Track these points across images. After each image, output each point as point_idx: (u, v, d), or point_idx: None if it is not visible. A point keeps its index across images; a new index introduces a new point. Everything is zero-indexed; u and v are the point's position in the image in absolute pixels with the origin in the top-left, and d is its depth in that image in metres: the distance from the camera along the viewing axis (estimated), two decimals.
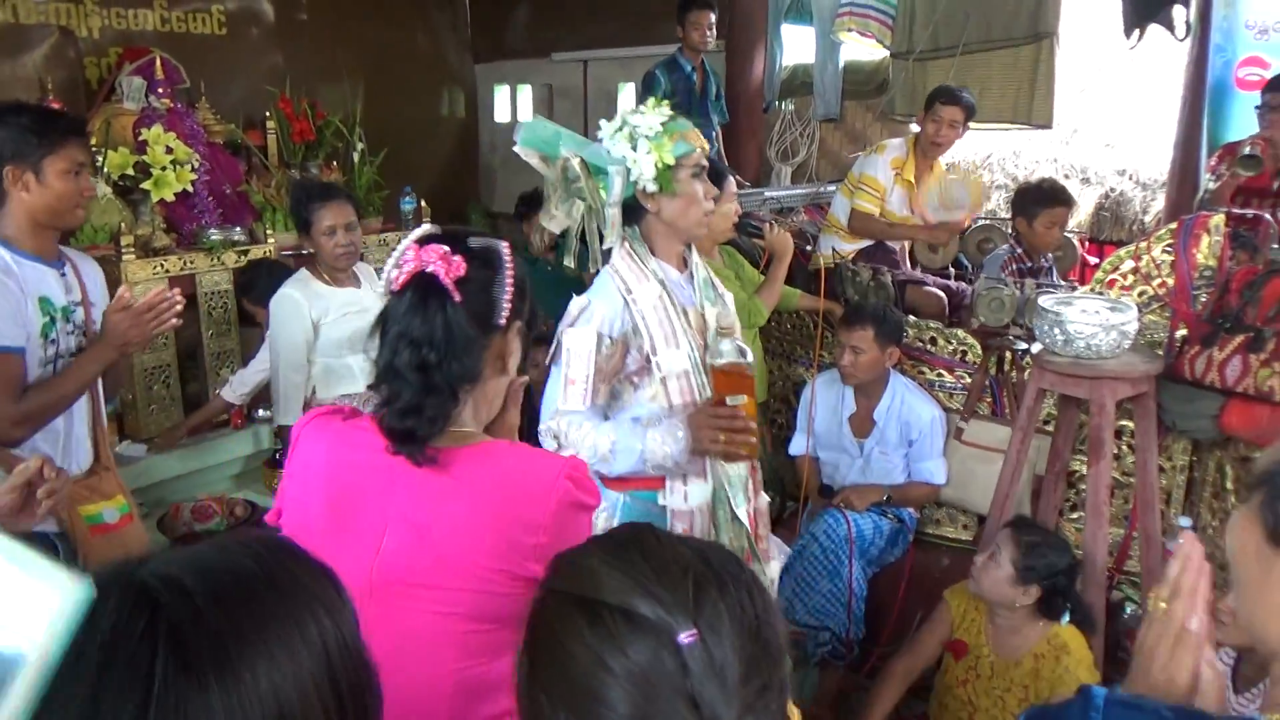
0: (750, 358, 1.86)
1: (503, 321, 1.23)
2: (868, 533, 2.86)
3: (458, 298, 1.18)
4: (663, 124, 1.89)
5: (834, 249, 3.91)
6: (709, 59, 5.09)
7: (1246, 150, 3.57)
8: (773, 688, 0.72)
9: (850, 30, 5.58)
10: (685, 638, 0.68)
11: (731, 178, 3.16)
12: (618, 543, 0.77)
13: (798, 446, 3.20)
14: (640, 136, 1.87)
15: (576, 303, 1.92)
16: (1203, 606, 0.90)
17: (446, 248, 1.19)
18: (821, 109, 5.61)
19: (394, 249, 1.23)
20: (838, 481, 3.07)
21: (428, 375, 1.18)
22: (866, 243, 3.97)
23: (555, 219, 1.97)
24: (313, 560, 0.75)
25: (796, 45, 6.13)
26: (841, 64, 5.66)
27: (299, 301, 2.85)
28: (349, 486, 1.21)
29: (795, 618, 2.81)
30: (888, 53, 5.52)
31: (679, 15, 4.71)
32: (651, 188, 1.88)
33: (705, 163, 1.96)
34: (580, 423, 1.87)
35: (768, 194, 4.44)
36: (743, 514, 1.98)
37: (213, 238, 3.58)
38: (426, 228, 1.26)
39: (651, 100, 1.95)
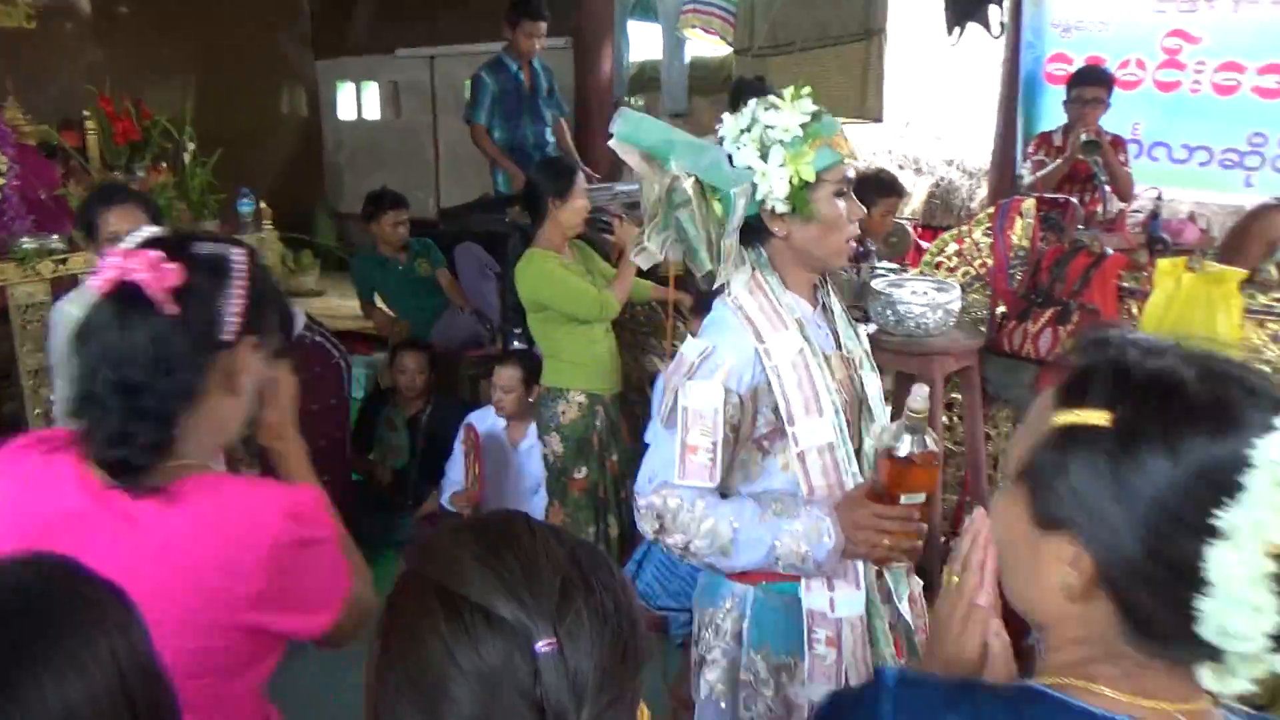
0: (934, 445, 1.40)
1: (229, 337, 1.10)
2: None
3: (171, 310, 1.04)
4: (803, 126, 1.50)
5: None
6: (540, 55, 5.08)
7: (1084, 136, 3.85)
8: (624, 699, 0.72)
9: (694, 27, 5.71)
10: (542, 646, 0.68)
11: (580, 173, 3.19)
12: (491, 536, 0.75)
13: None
14: (774, 143, 1.50)
15: (694, 347, 1.55)
16: (991, 581, 0.93)
17: (161, 254, 1.06)
18: (670, 104, 5.72)
19: None
20: None
21: (133, 398, 1.04)
22: None
23: (646, 252, 1.63)
24: (99, 579, 0.74)
25: (644, 42, 6.23)
26: (687, 60, 5.78)
27: (76, 319, 2.63)
28: (40, 530, 1.04)
29: (658, 602, 2.86)
30: (731, 49, 5.69)
31: (510, 19, 4.67)
32: (782, 208, 1.51)
33: (852, 174, 1.58)
34: (694, 501, 1.51)
35: (618, 188, 4.48)
36: (904, 608, 1.64)
37: (25, 246, 3.33)
38: (147, 231, 1.12)
39: (790, 91, 1.54)
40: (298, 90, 7.43)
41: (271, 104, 7.21)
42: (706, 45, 5.89)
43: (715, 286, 1.60)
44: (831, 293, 1.66)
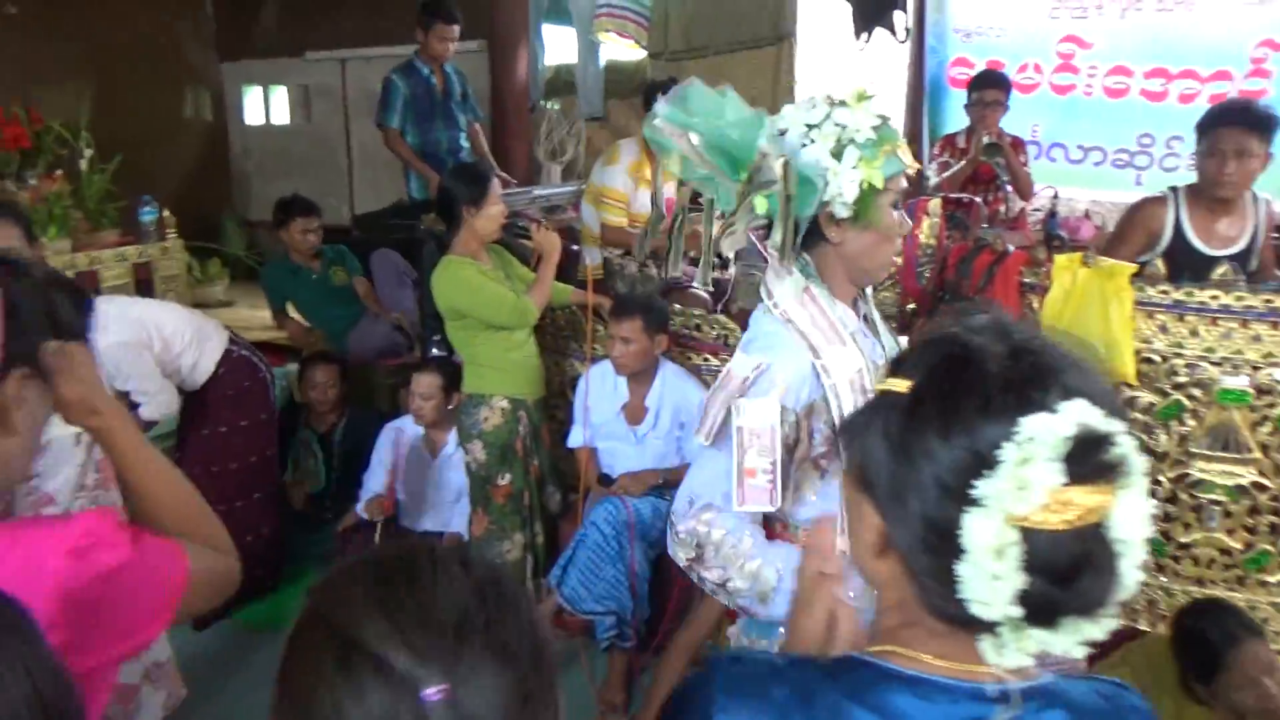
0: None
1: None
2: (647, 516, 2.96)
3: None
4: (875, 129, 1.44)
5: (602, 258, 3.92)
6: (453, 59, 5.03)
7: (986, 139, 3.99)
8: None
9: (608, 31, 5.72)
10: (431, 694, 0.65)
11: (495, 178, 3.16)
12: (388, 572, 0.72)
13: (576, 439, 3.26)
14: (848, 142, 1.42)
15: (746, 364, 1.47)
16: (834, 554, 0.97)
17: None
18: (586, 108, 5.73)
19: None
20: (616, 469, 3.16)
21: None
22: None
23: (735, 236, 1.52)
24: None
25: (558, 45, 6.22)
26: (602, 64, 5.80)
27: None
28: None
29: (582, 606, 2.86)
30: (646, 53, 5.72)
31: (424, 22, 4.61)
32: (844, 214, 1.43)
33: (906, 185, 1.54)
34: (741, 536, 1.43)
35: (536, 192, 4.48)
36: None
37: None
38: None
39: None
40: (202, 94, 7.20)
41: (174, 108, 6.97)
42: (621, 49, 5.92)
43: (717, 294, 1.62)
44: (870, 303, 1.61)
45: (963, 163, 4.10)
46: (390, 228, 4.56)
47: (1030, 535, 0.69)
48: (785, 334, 1.48)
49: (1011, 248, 2.90)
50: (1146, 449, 2.62)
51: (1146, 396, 2.61)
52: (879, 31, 5.26)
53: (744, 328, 3.29)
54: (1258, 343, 2.46)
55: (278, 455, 3.63)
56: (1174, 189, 2.98)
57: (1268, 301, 2.43)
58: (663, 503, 3.04)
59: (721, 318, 3.42)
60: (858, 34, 5.24)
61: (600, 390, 3.17)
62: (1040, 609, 0.70)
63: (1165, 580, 2.69)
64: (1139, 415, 2.63)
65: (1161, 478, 2.64)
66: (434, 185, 4.31)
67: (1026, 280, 2.82)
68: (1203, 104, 4.60)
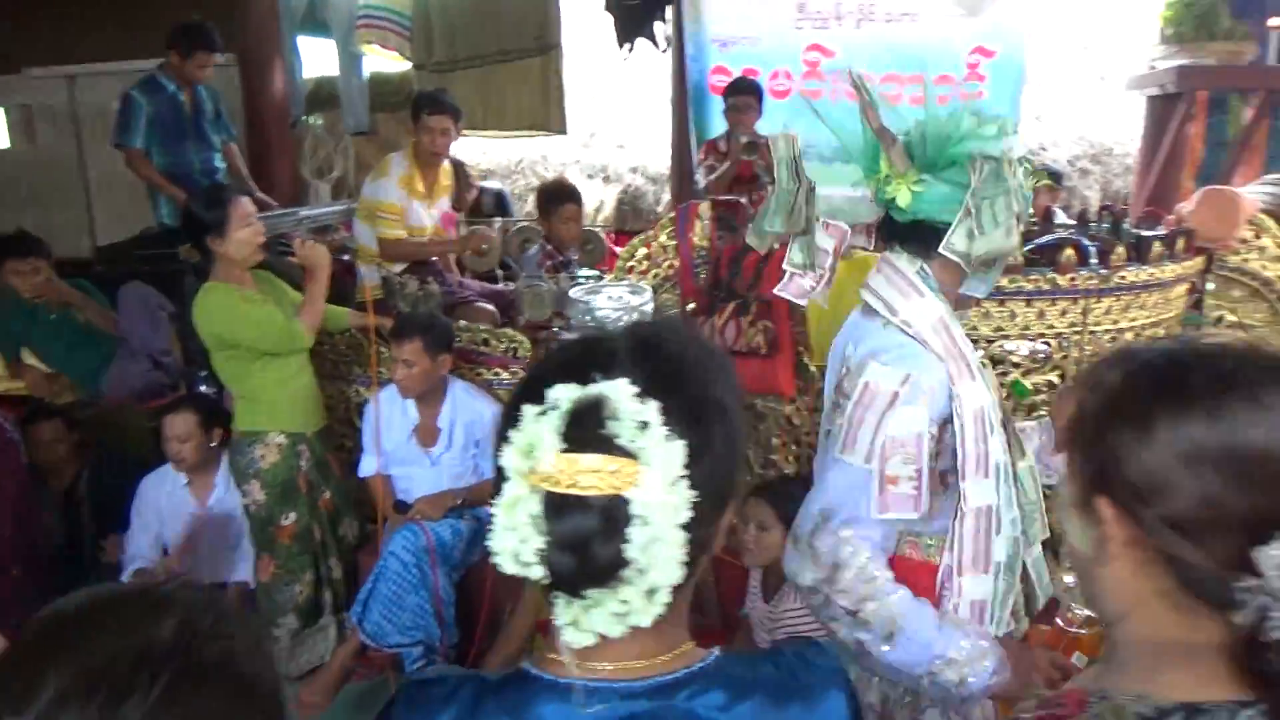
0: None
1: None
2: (447, 539, 2.90)
3: None
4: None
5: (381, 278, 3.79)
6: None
7: (744, 139, 4.18)
8: None
9: (370, 42, 5.57)
10: None
11: (239, 200, 2.91)
12: (47, 640, 0.68)
13: (368, 467, 3.14)
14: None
15: (891, 376, 1.44)
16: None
17: None
18: (352, 122, 5.53)
19: None
20: (413, 494, 3.07)
21: None
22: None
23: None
24: None
25: (318, 57, 5.96)
26: (366, 76, 5.61)
27: None
28: None
29: (388, 640, 2.76)
30: (410, 64, 5.60)
31: (182, 48, 4.27)
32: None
33: None
34: (880, 561, 1.43)
35: (303, 213, 4.26)
36: None
37: None
38: None
39: (992, 125, 1.47)
40: None
41: None
42: (385, 60, 5.76)
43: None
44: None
45: (727, 164, 4.31)
46: (140, 258, 4.18)
47: (547, 497, 0.72)
48: (918, 347, 1.47)
49: (776, 245, 3.07)
50: None
51: None
52: (641, 41, 5.44)
53: (534, 341, 3.31)
54: (988, 319, 2.74)
55: (35, 519, 3.24)
56: None
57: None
58: (462, 524, 2.99)
59: (510, 331, 3.40)
60: (621, 44, 5.39)
61: (390, 415, 3.07)
62: (560, 575, 0.73)
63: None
64: None
65: None
66: None
67: None
68: (932, 106, 5.09)
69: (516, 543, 0.73)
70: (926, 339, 1.46)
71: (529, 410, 0.74)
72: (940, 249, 1.46)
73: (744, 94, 4.36)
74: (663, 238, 3.29)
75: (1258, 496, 0.74)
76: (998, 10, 4.96)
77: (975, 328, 2.76)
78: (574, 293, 2.94)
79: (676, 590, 0.76)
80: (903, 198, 1.49)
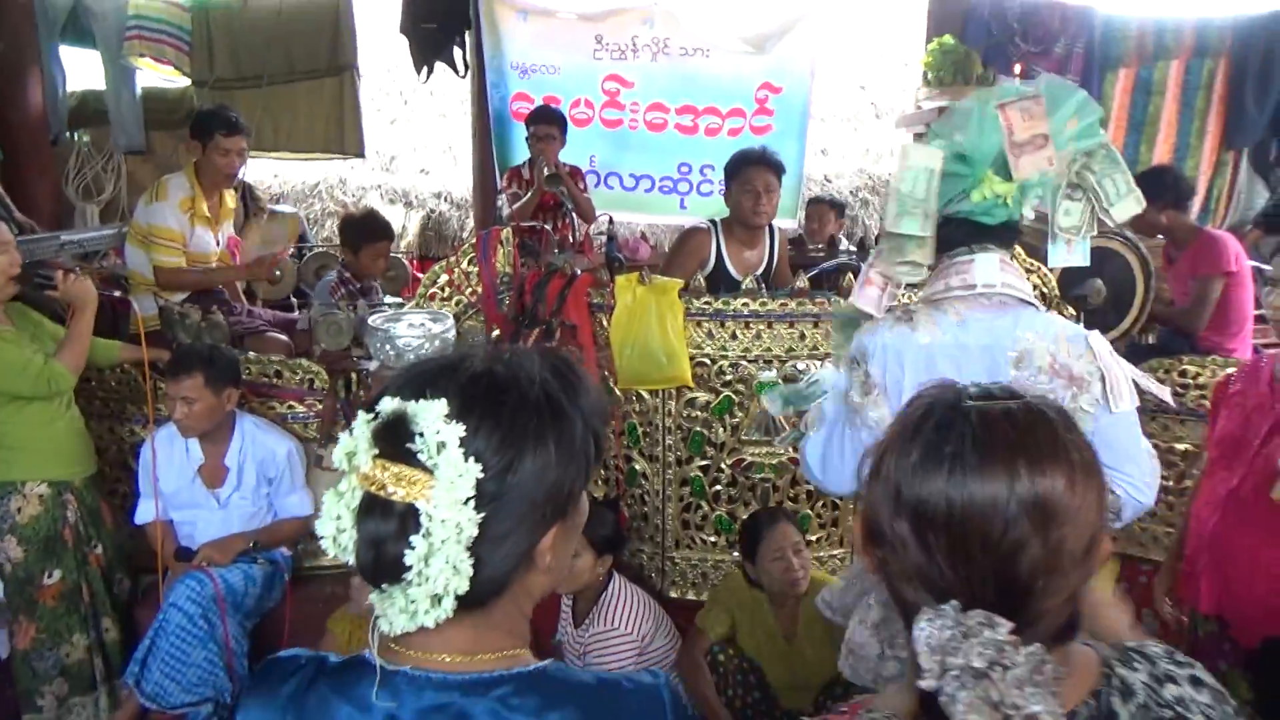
0: None
1: None
2: (238, 585, 2.70)
3: None
4: None
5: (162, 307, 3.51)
6: None
7: (547, 171, 4.19)
8: None
9: (143, 55, 5.18)
10: None
11: (3, 224, 2.69)
12: None
13: (145, 513, 2.88)
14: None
15: (1096, 340, 1.61)
16: None
17: None
18: (124, 140, 5.11)
19: None
20: (197, 540, 2.84)
21: None
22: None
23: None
24: None
25: (81, 70, 5.48)
26: (139, 91, 5.22)
27: None
28: None
29: (170, 700, 2.54)
30: (189, 80, 5.26)
31: None
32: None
33: None
34: None
35: (65, 237, 3.87)
36: None
37: None
38: None
39: (1091, 117, 1.64)
40: None
41: None
42: (159, 75, 5.39)
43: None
44: None
45: (529, 193, 4.32)
46: None
47: (365, 495, 0.81)
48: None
49: (579, 271, 3.11)
50: (708, 441, 2.98)
51: (703, 396, 2.96)
52: (440, 66, 5.38)
53: (331, 372, 3.17)
54: (780, 340, 2.89)
55: None
56: (713, 221, 3.40)
57: (783, 305, 2.88)
58: (255, 568, 2.81)
59: (305, 362, 3.25)
60: (418, 69, 5.31)
61: (169, 455, 2.84)
62: (361, 567, 0.81)
63: (737, 555, 3.05)
64: (699, 413, 2.97)
65: (723, 465, 3.00)
66: None
67: (595, 300, 3.05)
68: (725, 137, 5.35)
69: (336, 529, 0.82)
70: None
71: (363, 415, 0.82)
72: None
73: (545, 123, 4.39)
74: (465, 263, 3.25)
75: (932, 561, 0.78)
76: (783, 49, 5.28)
77: (769, 349, 2.90)
78: (373, 320, 2.84)
79: (498, 598, 0.85)
80: (1020, 208, 1.67)
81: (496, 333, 3.20)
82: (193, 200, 3.55)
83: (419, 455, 0.79)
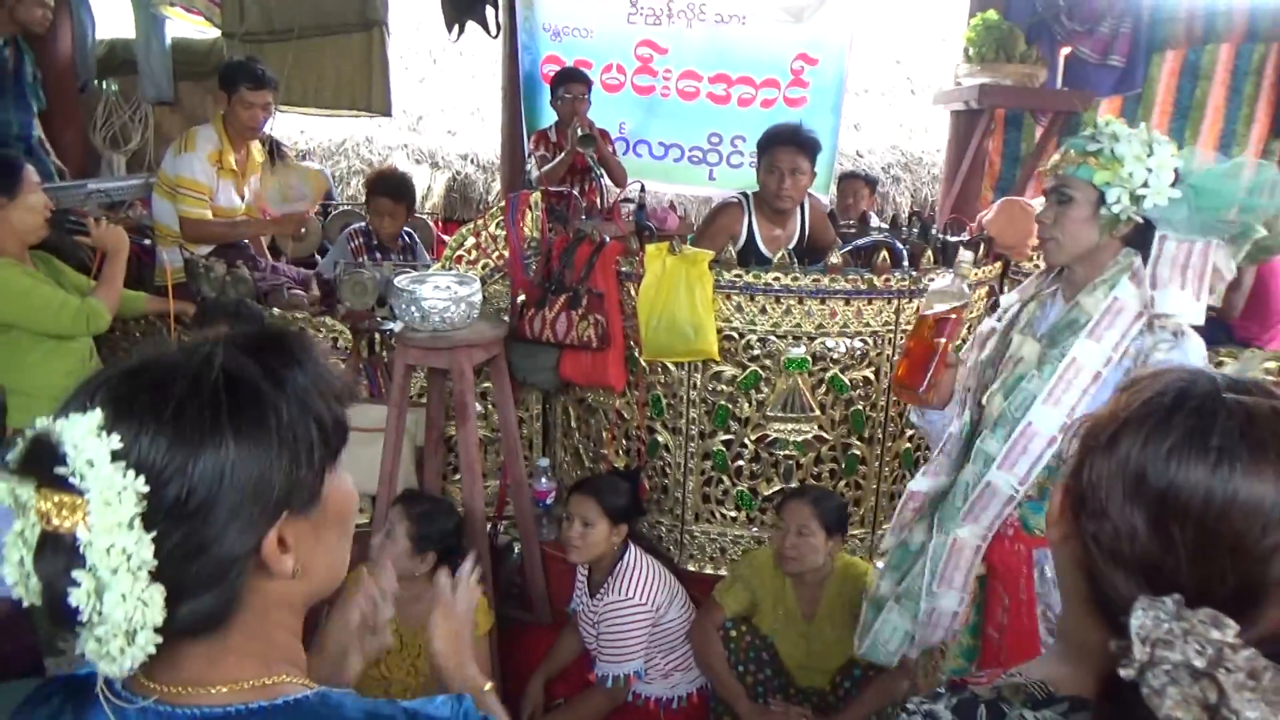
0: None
1: None
2: None
3: None
4: None
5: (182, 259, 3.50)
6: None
7: (581, 131, 4.13)
8: None
9: (173, 4, 5.14)
10: None
11: (29, 165, 2.66)
12: None
13: None
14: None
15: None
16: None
17: None
18: (151, 90, 5.08)
19: None
20: None
21: None
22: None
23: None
24: None
25: (112, 18, 5.44)
26: (168, 41, 5.17)
27: None
28: None
29: None
30: (220, 32, 5.20)
31: None
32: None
33: None
34: None
35: (92, 186, 3.87)
36: None
37: None
38: None
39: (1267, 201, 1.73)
40: None
41: None
42: (190, 26, 5.34)
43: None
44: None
45: (561, 156, 4.26)
46: None
47: (41, 531, 0.70)
48: None
49: (608, 238, 3.06)
50: (733, 415, 2.94)
51: (730, 370, 2.92)
52: (472, 26, 5.29)
53: (355, 331, 3.15)
54: (810, 316, 2.84)
55: None
56: (744, 194, 3.33)
57: (815, 281, 2.82)
58: None
59: (329, 320, 3.23)
60: (449, 27, 5.23)
61: None
62: (48, 613, 0.72)
63: (756, 531, 3.03)
64: (725, 387, 2.93)
65: (746, 440, 2.96)
66: None
67: (623, 269, 3.00)
68: (758, 108, 5.25)
69: (21, 574, 0.71)
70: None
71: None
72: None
73: (571, 83, 4.32)
74: (493, 227, 3.21)
75: (1170, 554, 0.74)
76: (820, 20, 5.16)
77: (799, 324, 2.85)
78: (399, 281, 2.80)
79: (231, 618, 0.76)
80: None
81: (522, 298, 3.17)
82: (220, 153, 3.53)
83: (70, 478, 0.69)
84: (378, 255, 3.86)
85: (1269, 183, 1.73)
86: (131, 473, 0.69)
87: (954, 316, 1.95)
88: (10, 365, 2.61)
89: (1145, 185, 1.74)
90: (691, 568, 3.10)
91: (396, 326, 2.86)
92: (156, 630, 0.70)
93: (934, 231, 3.45)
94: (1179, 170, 1.75)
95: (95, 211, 3.48)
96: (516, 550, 3.20)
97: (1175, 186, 1.74)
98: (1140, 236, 1.80)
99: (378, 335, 3.22)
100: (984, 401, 1.93)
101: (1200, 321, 1.77)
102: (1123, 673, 0.68)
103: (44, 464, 0.70)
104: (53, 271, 2.75)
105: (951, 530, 1.93)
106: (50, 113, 4.60)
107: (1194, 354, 1.73)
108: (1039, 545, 1.89)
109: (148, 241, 3.61)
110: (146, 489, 0.69)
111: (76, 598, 0.68)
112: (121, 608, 0.68)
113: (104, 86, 5.22)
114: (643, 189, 3.70)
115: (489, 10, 5.25)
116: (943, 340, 1.95)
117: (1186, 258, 1.76)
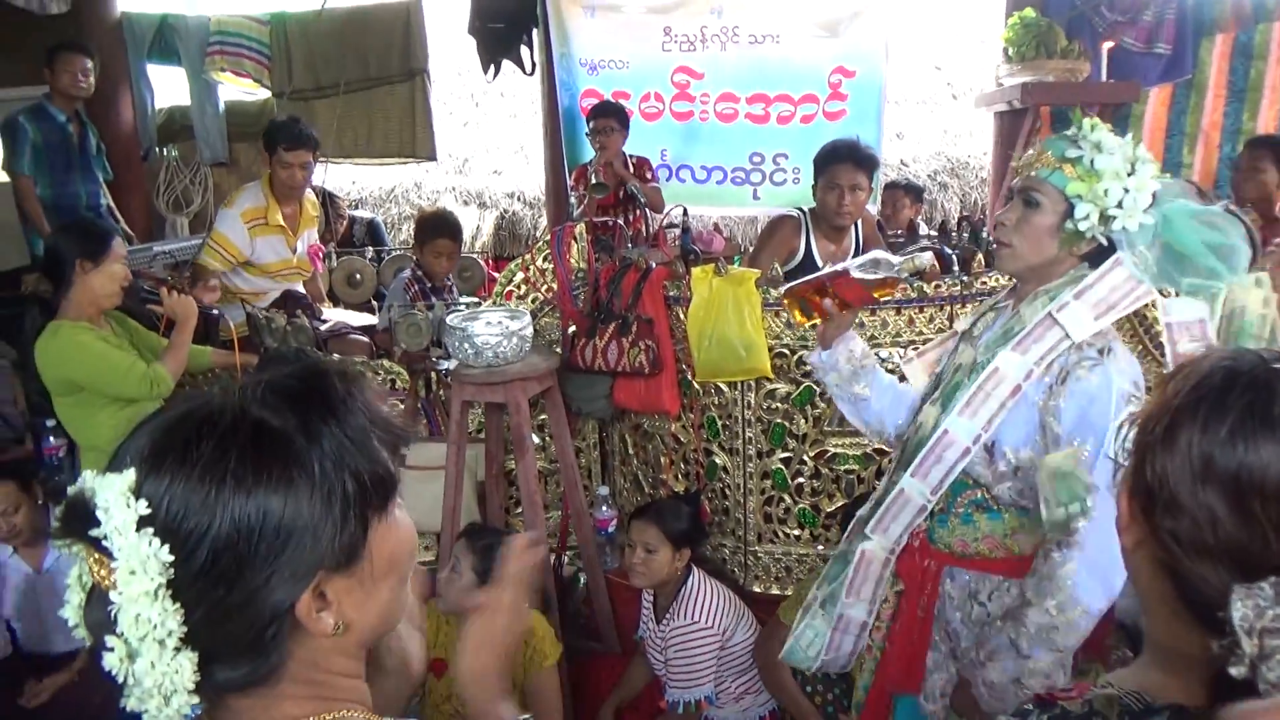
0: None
1: None
2: None
3: None
4: None
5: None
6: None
7: (594, 180, 4.20)
8: None
9: (224, 70, 5.35)
10: None
11: (118, 236, 2.80)
12: None
13: None
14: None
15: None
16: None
17: None
18: (208, 153, 5.29)
19: None
20: None
21: None
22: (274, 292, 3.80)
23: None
24: None
25: (168, 87, 5.69)
26: (221, 105, 5.38)
27: None
28: None
29: None
30: (269, 92, 5.40)
31: (47, 58, 4.06)
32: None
33: None
34: None
35: (157, 249, 4.03)
36: None
37: None
38: None
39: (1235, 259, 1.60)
40: None
41: None
42: (240, 89, 5.55)
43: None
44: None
45: (584, 204, 4.33)
46: None
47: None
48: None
49: (654, 264, 3.08)
50: (789, 432, 2.92)
51: (783, 387, 2.90)
52: (508, 66, 5.40)
53: (411, 372, 3.21)
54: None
55: None
56: (801, 210, 3.33)
57: None
58: None
59: (386, 362, 3.30)
60: (485, 67, 5.34)
61: None
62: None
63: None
64: (779, 404, 2.91)
65: (805, 457, 2.93)
66: None
67: (671, 294, 3.01)
68: (798, 124, 5.25)
69: (79, 618, 0.72)
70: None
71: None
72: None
73: (603, 117, 4.39)
74: (540, 260, 3.25)
75: (1255, 533, 0.72)
76: (856, 32, 5.15)
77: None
78: (451, 320, 2.86)
79: (277, 673, 0.74)
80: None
81: (573, 329, 3.20)
82: (265, 210, 3.66)
83: (104, 541, 0.68)
84: (431, 297, 3.94)
85: (1230, 249, 1.58)
86: (157, 541, 0.67)
87: (864, 287, 1.89)
88: (83, 422, 2.71)
89: (1119, 205, 1.60)
90: (757, 589, 3.06)
91: (451, 364, 2.91)
92: (193, 691, 0.69)
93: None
94: (1156, 194, 1.62)
95: (159, 274, 3.63)
96: (582, 580, 3.20)
97: (1148, 211, 1.60)
98: (1100, 257, 1.66)
99: (434, 374, 3.27)
100: (920, 409, 1.87)
101: (1084, 337, 1.62)
102: (1234, 671, 0.65)
103: (82, 523, 0.69)
104: (129, 331, 2.87)
105: (859, 542, 1.87)
106: (116, 181, 4.83)
107: (1119, 375, 1.59)
108: (949, 563, 1.82)
109: (215, 311, 3.75)
110: (171, 558, 0.67)
111: (109, 662, 0.68)
112: (151, 675, 0.67)
113: (165, 153, 5.45)
114: (685, 213, 3.72)
115: (524, 49, 5.36)
116: (839, 297, 1.92)
117: (1123, 296, 1.62)
